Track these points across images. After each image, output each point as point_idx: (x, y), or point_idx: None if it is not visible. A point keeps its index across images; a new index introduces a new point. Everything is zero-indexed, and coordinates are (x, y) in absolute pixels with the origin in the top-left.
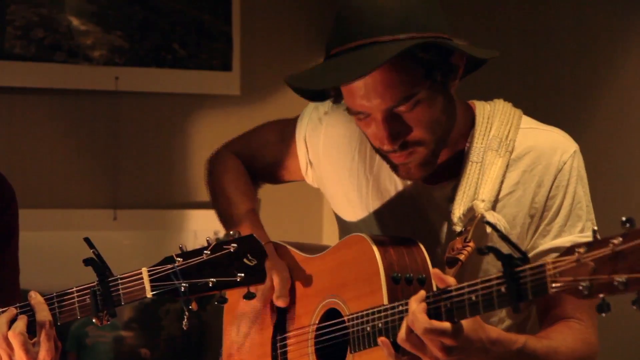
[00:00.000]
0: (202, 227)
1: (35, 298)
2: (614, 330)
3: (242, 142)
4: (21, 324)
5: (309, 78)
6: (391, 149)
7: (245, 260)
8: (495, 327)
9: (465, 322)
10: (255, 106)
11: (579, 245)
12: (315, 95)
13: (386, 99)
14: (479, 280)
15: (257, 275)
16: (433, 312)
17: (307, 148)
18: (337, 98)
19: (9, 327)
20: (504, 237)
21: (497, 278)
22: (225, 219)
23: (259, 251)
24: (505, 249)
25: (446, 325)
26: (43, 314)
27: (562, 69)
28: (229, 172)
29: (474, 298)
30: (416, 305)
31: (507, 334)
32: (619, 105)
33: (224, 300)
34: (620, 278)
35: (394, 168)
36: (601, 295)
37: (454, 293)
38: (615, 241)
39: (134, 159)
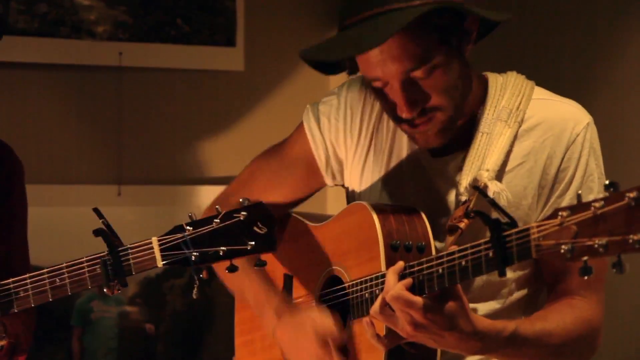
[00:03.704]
0: (207, 203)
1: None
2: (613, 329)
3: (241, 186)
4: None
5: (325, 50)
6: (410, 116)
7: (255, 228)
8: (482, 318)
9: (450, 305)
10: (259, 82)
11: (562, 209)
12: (330, 68)
13: (403, 65)
14: (468, 246)
15: (267, 243)
16: (417, 282)
17: (324, 139)
18: (353, 69)
19: None
20: (493, 203)
21: (485, 243)
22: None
23: (269, 219)
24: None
25: (416, 298)
26: None
27: (561, 65)
28: None
29: (463, 263)
30: (392, 275)
31: (494, 323)
32: (616, 101)
33: (234, 269)
34: (601, 241)
35: (412, 138)
36: (584, 259)
37: (444, 259)
38: (597, 204)
39: (138, 134)
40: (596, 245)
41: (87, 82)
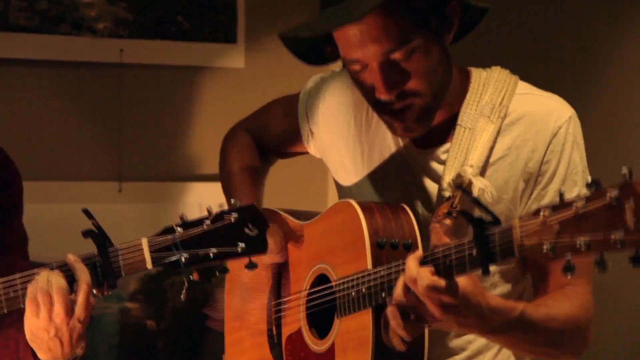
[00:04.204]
0: (207, 200)
1: (75, 260)
2: (613, 328)
3: (252, 119)
4: (63, 281)
5: (301, 28)
6: (388, 98)
7: (246, 230)
8: (495, 295)
9: (465, 284)
10: (260, 79)
11: (545, 207)
12: (313, 57)
13: (382, 46)
14: (452, 245)
15: (258, 245)
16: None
17: (307, 119)
18: (333, 55)
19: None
20: (476, 201)
21: (469, 242)
22: (225, 189)
23: (260, 221)
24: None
25: (443, 282)
26: (84, 274)
27: (560, 65)
28: (235, 147)
29: (448, 262)
30: (415, 263)
31: (506, 302)
32: (616, 100)
33: (225, 271)
34: (583, 239)
35: (391, 126)
36: (566, 257)
37: (429, 258)
38: (579, 204)
39: (139, 131)
40: (578, 244)
41: (88, 79)
